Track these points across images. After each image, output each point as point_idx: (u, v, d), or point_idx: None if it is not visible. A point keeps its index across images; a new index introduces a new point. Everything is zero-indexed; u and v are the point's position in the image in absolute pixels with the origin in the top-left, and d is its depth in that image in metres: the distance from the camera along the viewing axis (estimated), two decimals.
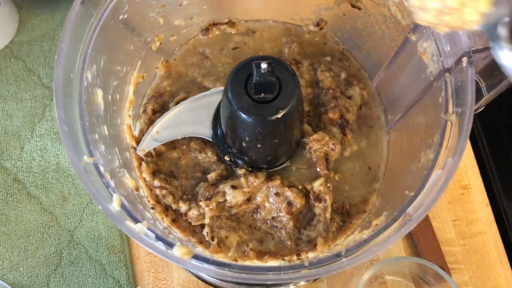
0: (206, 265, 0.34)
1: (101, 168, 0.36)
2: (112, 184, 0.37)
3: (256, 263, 0.44)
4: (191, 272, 0.59)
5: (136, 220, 0.35)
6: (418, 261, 0.59)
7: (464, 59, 0.37)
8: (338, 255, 0.35)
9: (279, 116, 0.40)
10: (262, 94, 0.40)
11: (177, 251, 0.34)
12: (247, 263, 0.42)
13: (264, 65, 0.38)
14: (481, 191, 0.66)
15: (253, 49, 0.55)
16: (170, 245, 0.34)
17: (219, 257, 0.41)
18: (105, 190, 0.36)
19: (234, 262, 0.37)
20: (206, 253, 0.45)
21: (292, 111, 0.41)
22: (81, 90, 0.37)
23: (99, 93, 0.41)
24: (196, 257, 0.34)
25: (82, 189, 0.65)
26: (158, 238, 0.34)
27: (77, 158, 0.35)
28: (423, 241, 0.63)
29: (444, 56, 0.40)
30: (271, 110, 0.40)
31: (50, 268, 0.62)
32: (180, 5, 0.49)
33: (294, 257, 0.46)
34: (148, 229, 0.35)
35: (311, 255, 0.44)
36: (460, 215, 0.65)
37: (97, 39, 0.39)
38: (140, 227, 0.34)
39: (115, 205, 0.35)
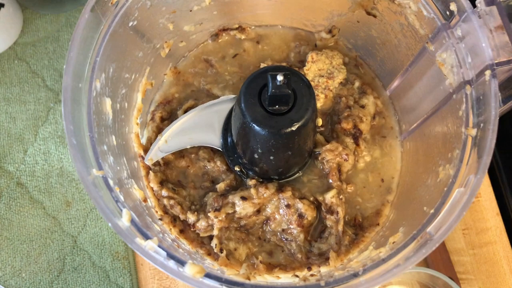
0: (218, 284, 0.33)
1: (110, 182, 0.35)
2: (122, 198, 0.35)
3: (266, 276, 0.43)
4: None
5: (146, 237, 0.34)
6: (427, 271, 0.58)
7: (487, 72, 0.36)
8: (355, 275, 0.33)
9: (293, 128, 0.39)
10: (277, 106, 0.39)
11: (189, 269, 0.33)
12: (259, 279, 0.41)
13: (280, 77, 0.36)
14: (491, 200, 0.65)
15: (261, 55, 0.54)
16: (181, 262, 0.33)
17: (231, 274, 0.40)
18: (114, 205, 0.34)
19: (247, 281, 0.36)
20: (216, 267, 0.43)
21: (307, 123, 0.39)
22: (90, 100, 0.36)
23: (108, 102, 0.40)
24: (209, 275, 0.33)
25: (86, 194, 0.64)
26: (170, 255, 0.33)
27: (86, 171, 0.33)
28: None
29: (465, 68, 0.38)
30: (286, 122, 0.39)
31: (53, 274, 0.61)
32: (190, 11, 0.48)
33: (305, 271, 0.45)
34: (159, 246, 0.33)
35: (323, 269, 0.43)
36: (469, 224, 0.64)
37: (106, 47, 0.38)
38: (151, 244, 0.33)
39: (124, 221, 0.34)
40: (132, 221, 0.34)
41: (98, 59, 0.37)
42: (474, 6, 0.37)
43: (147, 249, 0.32)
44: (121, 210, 0.34)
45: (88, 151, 0.35)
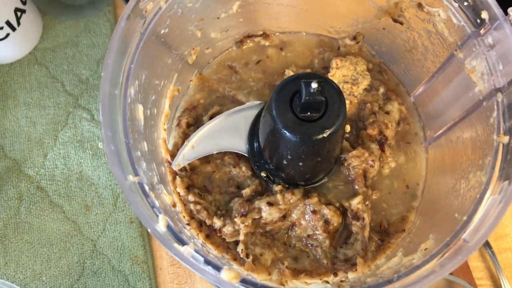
0: None
1: (146, 188, 0.35)
2: (157, 204, 0.36)
3: (295, 282, 0.43)
4: (216, 285, 0.58)
5: (182, 242, 0.34)
6: (446, 277, 0.58)
7: None
8: (390, 281, 0.34)
9: (325, 135, 0.39)
10: (309, 113, 0.39)
11: (225, 275, 0.33)
12: (290, 285, 0.41)
13: (314, 85, 0.37)
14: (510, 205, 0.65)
15: (285, 62, 0.54)
16: (217, 268, 0.33)
17: (263, 279, 0.40)
18: (150, 211, 0.35)
19: (281, 287, 0.36)
20: (243, 272, 0.44)
21: (338, 130, 0.40)
22: (125, 107, 0.36)
23: (140, 108, 0.40)
24: (245, 281, 0.33)
25: (105, 198, 0.64)
26: (206, 261, 0.33)
27: (124, 177, 0.34)
28: None
29: (495, 75, 0.38)
30: (317, 129, 0.39)
31: (73, 278, 0.61)
32: (218, 18, 0.48)
33: (331, 276, 0.45)
34: (195, 251, 0.34)
35: (350, 275, 0.43)
36: None
37: (140, 54, 0.38)
38: (188, 250, 0.33)
39: (161, 226, 0.34)
40: (168, 227, 0.34)
41: (133, 66, 0.37)
42: (506, 14, 0.38)
43: (185, 255, 0.32)
44: (157, 216, 0.35)
45: (124, 157, 0.35)
